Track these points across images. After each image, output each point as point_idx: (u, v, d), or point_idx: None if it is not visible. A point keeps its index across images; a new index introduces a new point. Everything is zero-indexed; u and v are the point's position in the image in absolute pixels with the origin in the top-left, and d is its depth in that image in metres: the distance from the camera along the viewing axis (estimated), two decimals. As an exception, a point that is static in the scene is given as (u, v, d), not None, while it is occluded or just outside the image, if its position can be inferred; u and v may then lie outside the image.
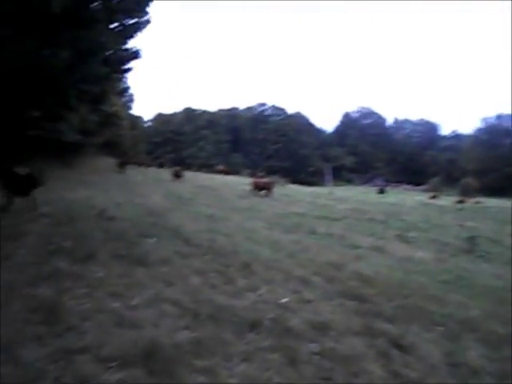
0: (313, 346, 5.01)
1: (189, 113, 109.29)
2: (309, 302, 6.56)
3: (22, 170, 12.36)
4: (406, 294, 7.67)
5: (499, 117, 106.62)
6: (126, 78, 11.32)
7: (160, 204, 16.59)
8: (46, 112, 13.43)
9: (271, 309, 5.94)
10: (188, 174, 38.67)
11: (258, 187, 28.44)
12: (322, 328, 5.46)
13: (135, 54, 8.72)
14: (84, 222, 10.66)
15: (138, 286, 6.13)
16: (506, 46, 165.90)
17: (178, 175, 33.00)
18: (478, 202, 40.42)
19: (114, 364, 3.99)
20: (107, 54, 8.09)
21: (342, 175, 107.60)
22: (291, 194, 32.59)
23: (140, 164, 43.29)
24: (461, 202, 39.70)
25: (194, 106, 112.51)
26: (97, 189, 19.15)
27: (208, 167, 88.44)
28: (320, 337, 5.23)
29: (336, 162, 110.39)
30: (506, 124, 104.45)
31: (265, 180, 31.50)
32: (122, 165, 32.61)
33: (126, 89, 15.64)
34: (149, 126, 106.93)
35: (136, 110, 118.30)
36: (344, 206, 26.35)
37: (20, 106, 10.66)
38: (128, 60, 8.75)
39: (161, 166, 52.64)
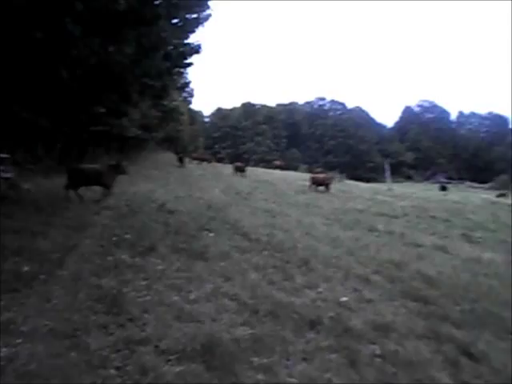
0: (374, 347, 4.84)
1: (247, 108, 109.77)
2: (369, 301, 6.36)
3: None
4: (474, 297, 7.22)
5: None
6: (186, 72, 11.62)
7: (219, 198, 16.75)
8: (110, 108, 13.87)
9: (331, 307, 5.81)
10: (247, 169, 38.97)
11: (317, 183, 28.11)
12: (383, 329, 5.26)
13: (196, 49, 8.84)
14: (145, 214, 10.94)
15: (197, 280, 6.19)
16: None
17: (241, 170, 32.92)
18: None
19: (173, 357, 4.03)
20: (169, 49, 8.22)
21: (401, 171, 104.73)
22: (349, 190, 32.01)
23: (199, 159, 43.89)
24: None
25: (253, 101, 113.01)
26: (157, 183, 19.64)
27: (265, 162, 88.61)
28: (381, 338, 5.04)
29: (396, 157, 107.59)
30: None
31: (323, 175, 31.01)
32: (182, 159, 33.21)
33: (187, 84, 15.89)
34: (208, 121, 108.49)
35: (195, 105, 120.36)
36: (404, 202, 25.57)
37: (87, 102, 11.04)
38: (189, 55, 8.90)
39: (219, 160, 53.18)
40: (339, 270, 7.86)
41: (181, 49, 8.80)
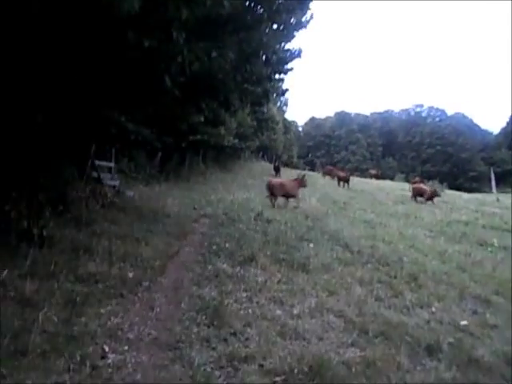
0: (510, 385, 4.20)
1: (341, 116, 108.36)
2: (494, 327, 5.66)
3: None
4: None
5: None
6: (283, 79, 11.38)
7: (315, 208, 16.36)
8: (208, 117, 14.05)
9: (449, 331, 5.23)
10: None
11: (418, 193, 26.79)
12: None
13: (297, 54, 8.58)
14: (243, 223, 10.85)
15: (299, 293, 5.88)
16: None
17: (346, 180, 31.37)
18: None
19: (279, 379, 3.70)
20: (269, 54, 8.04)
21: (509, 181, 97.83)
22: (452, 201, 30.18)
23: (294, 167, 43.92)
24: None
25: (347, 110, 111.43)
26: (253, 191, 19.66)
27: (360, 171, 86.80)
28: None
29: (502, 166, 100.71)
30: None
31: (425, 186, 29.38)
32: (278, 168, 33.15)
33: (284, 91, 15.54)
34: (301, 130, 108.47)
35: (289, 114, 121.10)
36: (517, 214, 23.54)
37: (188, 111, 11.22)
38: (290, 60, 8.66)
39: (312, 169, 52.86)
40: (452, 288, 7.18)
41: (281, 54, 8.58)
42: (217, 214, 12.10)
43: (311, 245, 9.14)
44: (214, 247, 7.89)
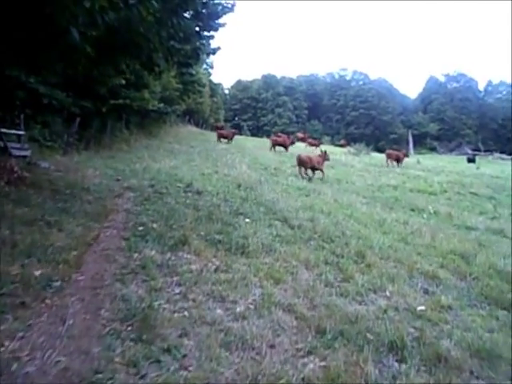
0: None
1: (268, 79, 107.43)
2: (449, 309, 5.21)
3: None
4: None
5: None
6: (213, 37, 10.31)
7: (247, 175, 15.60)
8: (130, 79, 12.75)
9: (408, 319, 4.69)
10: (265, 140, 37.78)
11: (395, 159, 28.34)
12: (483, 356, 4.09)
13: (230, 8, 7.56)
14: (172, 197, 9.93)
15: (241, 284, 5.11)
16: None
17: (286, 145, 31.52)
18: None
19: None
20: (198, 6, 6.98)
21: (425, 143, 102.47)
22: (378, 164, 30.59)
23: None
24: None
25: (273, 72, 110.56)
26: (180, 158, 18.66)
27: (287, 134, 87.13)
28: (487, 370, 3.87)
29: (419, 129, 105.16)
30: None
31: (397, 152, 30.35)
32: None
33: (216, 50, 14.12)
34: (227, 93, 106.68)
35: (215, 76, 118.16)
36: (439, 178, 24.04)
37: (106, 72, 9.95)
38: (221, 14, 7.61)
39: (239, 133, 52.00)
40: (401, 265, 6.71)
41: (212, 7, 7.52)
42: (142, 186, 11.01)
43: (247, 220, 8.39)
44: (141, 229, 6.90)
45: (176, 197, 9.86)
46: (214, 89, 52.87)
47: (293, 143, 33.18)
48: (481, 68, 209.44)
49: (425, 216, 12.54)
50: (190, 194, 10.39)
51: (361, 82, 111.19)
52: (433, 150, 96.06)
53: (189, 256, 5.87)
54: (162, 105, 27.51)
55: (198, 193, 10.66)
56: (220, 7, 7.76)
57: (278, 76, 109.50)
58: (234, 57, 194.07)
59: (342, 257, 6.61)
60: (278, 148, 30.86)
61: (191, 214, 8.19)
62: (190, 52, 7.80)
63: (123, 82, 12.60)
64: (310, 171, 18.17)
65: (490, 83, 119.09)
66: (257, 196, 11.21)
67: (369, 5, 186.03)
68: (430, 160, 48.89)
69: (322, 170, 18.43)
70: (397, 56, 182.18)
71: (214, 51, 7.70)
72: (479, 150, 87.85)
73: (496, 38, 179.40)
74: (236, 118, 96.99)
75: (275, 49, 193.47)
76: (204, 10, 7.33)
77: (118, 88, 16.98)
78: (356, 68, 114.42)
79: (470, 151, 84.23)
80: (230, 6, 7.81)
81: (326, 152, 19.66)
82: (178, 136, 29.56)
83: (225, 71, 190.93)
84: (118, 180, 11.94)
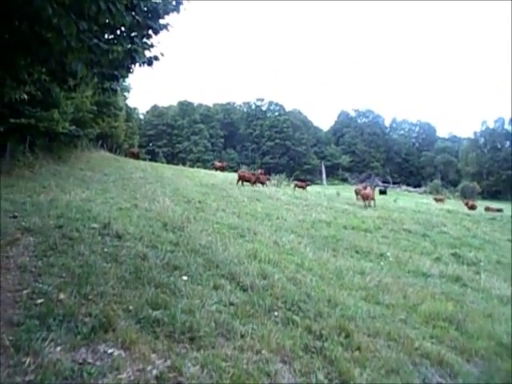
0: None
1: (184, 106, 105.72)
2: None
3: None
4: None
5: (498, 121, 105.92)
6: (151, 45, 8.50)
7: (171, 210, 13.63)
8: (37, 95, 10.42)
9: None
10: (189, 171, 36.07)
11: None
12: None
13: (173, 6, 5.77)
14: (85, 243, 7.75)
15: None
16: (506, 50, 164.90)
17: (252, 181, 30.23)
18: (498, 210, 37.40)
19: None
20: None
21: (337, 174, 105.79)
22: (302, 196, 29.73)
23: (135, 157, 40.57)
24: (493, 210, 36.78)
25: (190, 99, 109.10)
26: (94, 188, 16.31)
27: (202, 162, 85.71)
28: None
29: (331, 160, 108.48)
30: (506, 128, 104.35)
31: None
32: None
33: (152, 59, 11.72)
34: (143, 118, 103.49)
35: (130, 100, 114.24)
36: (367, 212, 23.49)
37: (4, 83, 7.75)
38: (163, 13, 5.86)
39: (153, 159, 49.97)
40: (395, 345, 5.20)
41: (153, 2, 5.71)
42: (47, 226, 8.65)
43: (185, 277, 6.51)
44: (40, 302, 4.79)
45: (91, 243, 7.69)
46: (130, 113, 50.16)
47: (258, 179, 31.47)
48: (385, 106, 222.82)
49: (369, 259, 11.50)
50: (107, 239, 8.27)
51: (276, 113, 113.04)
52: (345, 180, 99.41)
53: (115, 352, 3.91)
54: (73, 127, 24.78)
55: (118, 237, 8.57)
56: (162, 3, 5.94)
57: (195, 103, 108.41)
58: (150, 81, 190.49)
59: (324, 338, 4.94)
60: (199, 178, 29.24)
61: (112, 271, 6.13)
62: (122, 56, 5.76)
63: (25, 97, 10.16)
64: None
65: (394, 120, 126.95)
66: (188, 240, 9.33)
67: (283, 38, 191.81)
68: (346, 191, 49.18)
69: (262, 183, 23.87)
70: (310, 89, 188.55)
71: (150, 61, 5.73)
72: (388, 182, 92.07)
73: (400, 78, 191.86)
74: (151, 144, 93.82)
75: (192, 75, 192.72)
76: (142, 3, 5.51)
77: (20, 105, 14.45)
78: (272, 99, 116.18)
79: (380, 183, 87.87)
80: (174, 3, 6.05)
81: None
82: (90, 162, 26.75)
83: (140, 95, 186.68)
84: (15, 217, 9.53)
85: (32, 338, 3.89)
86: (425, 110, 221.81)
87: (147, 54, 6.22)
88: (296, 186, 36.44)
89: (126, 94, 45.93)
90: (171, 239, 9.20)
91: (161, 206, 13.99)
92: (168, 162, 61.86)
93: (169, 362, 3.86)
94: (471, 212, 31.92)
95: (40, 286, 5.24)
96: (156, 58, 5.99)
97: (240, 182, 29.49)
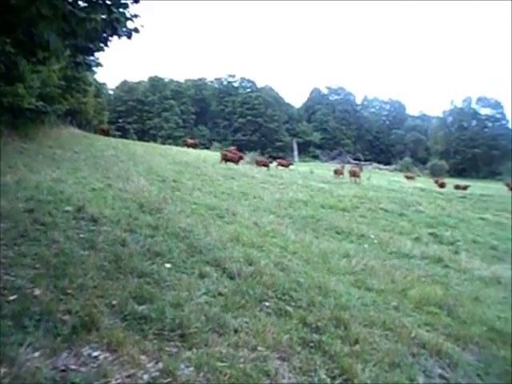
0: None
1: (155, 81, 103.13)
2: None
3: None
4: None
5: (466, 100, 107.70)
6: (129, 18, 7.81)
7: (146, 190, 13.16)
8: (0, 66, 9.60)
9: None
10: (161, 148, 35.34)
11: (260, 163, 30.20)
12: None
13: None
14: (59, 228, 7.28)
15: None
16: (474, 32, 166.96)
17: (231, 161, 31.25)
18: (465, 188, 37.97)
19: None
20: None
21: (308, 151, 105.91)
22: (277, 174, 29.47)
23: (105, 134, 39.51)
24: (462, 187, 37.22)
25: (161, 75, 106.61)
26: (65, 168, 15.61)
27: (173, 139, 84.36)
28: None
29: (303, 137, 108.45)
30: (473, 107, 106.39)
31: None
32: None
33: (131, 32, 10.57)
34: (112, 94, 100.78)
35: (99, 75, 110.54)
36: (342, 191, 23.37)
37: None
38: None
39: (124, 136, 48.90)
40: (392, 334, 5.03)
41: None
42: (16, 210, 8.08)
43: (168, 265, 6.16)
44: (12, 299, 4.35)
45: (65, 228, 7.20)
46: (99, 88, 48.57)
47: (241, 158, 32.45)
48: (357, 84, 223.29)
49: (351, 240, 11.43)
50: (83, 223, 7.80)
51: (248, 90, 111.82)
52: (316, 157, 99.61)
53: (101, 356, 3.55)
54: (40, 103, 23.68)
55: (94, 220, 8.11)
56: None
57: (166, 79, 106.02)
58: (119, 55, 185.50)
59: (322, 331, 4.69)
60: (172, 156, 28.70)
61: (91, 260, 5.70)
62: (102, 26, 5.18)
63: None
64: None
65: (365, 98, 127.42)
66: (167, 222, 8.93)
67: (256, 14, 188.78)
68: (319, 169, 49.21)
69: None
70: (283, 65, 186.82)
71: (129, 33, 5.20)
72: (360, 160, 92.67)
73: (371, 56, 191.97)
74: (121, 121, 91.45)
75: (162, 50, 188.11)
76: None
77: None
78: (244, 75, 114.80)
79: (351, 160, 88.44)
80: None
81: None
82: (59, 139, 25.70)
83: (109, 70, 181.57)
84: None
85: (6, 342, 3.47)
86: (395, 89, 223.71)
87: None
88: (279, 164, 36.64)
89: (94, 68, 44.44)
90: (150, 222, 8.78)
91: (136, 186, 13.50)
92: (139, 139, 60.62)
93: (160, 365, 3.54)
94: (442, 190, 32.27)
95: (12, 279, 4.79)
96: (136, 31, 5.49)
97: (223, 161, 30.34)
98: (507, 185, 36.04)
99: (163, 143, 57.01)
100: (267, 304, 5.26)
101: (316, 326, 4.78)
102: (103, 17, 4.96)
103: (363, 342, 4.59)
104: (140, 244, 6.95)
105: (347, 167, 38.22)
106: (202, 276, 5.88)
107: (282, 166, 36.25)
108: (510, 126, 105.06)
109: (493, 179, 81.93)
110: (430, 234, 14.31)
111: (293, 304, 5.40)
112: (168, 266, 6.13)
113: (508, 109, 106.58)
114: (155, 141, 57.74)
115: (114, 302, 4.50)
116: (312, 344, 4.37)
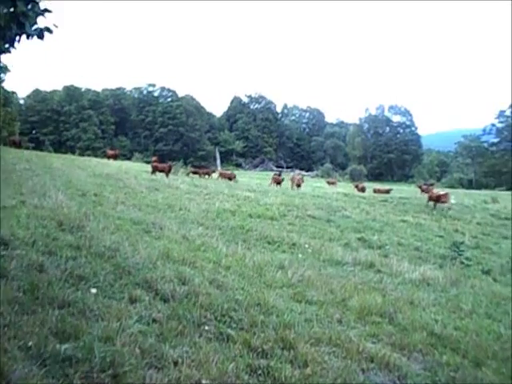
0: None
1: (70, 91, 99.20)
2: None
3: None
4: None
5: (379, 108, 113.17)
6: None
7: (65, 206, 12.23)
8: None
9: None
10: (80, 160, 33.68)
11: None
12: None
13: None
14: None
15: None
16: (386, 42, 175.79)
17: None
18: (388, 191, 39.17)
19: None
20: None
21: (231, 159, 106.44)
22: (202, 184, 28.95)
23: (17, 146, 37.24)
24: (382, 191, 38.27)
25: (76, 84, 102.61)
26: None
27: (92, 150, 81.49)
28: None
29: (225, 146, 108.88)
30: (386, 114, 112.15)
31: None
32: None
33: (43, 31, 9.38)
34: (23, 104, 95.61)
35: (7, 83, 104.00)
36: (268, 199, 23.27)
37: None
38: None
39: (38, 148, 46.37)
40: (340, 351, 4.81)
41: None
42: None
43: (93, 290, 5.57)
44: None
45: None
46: (8, 97, 45.70)
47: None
48: (277, 92, 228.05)
49: (283, 250, 11.29)
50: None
51: (169, 99, 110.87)
52: (239, 166, 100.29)
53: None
54: None
55: (4, 244, 7.25)
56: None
57: (82, 88, 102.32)
58: (29, 61, 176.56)
59: (269, 355, 4.34)
60: (91, 168, 27.40)
61: (0, 292, 5.01)
62: (5, 21, 4.45)
63: None
64: None
65: (285, 106, 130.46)
66: (91, 241, 8.24)
67: (174, 22, 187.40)
68: (243, 177, 49.13)
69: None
70: (203, 74, 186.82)
71: (41, 33, 4.57)
72: (282, 167, 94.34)
73: (291, 65, 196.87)
74: (34, 132, 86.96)
75: (77, 58, 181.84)
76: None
77: None
78: (164, 84, 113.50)
79: (274, 168, 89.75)
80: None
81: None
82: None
83: (18, 78, 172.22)
84: None
85: None
86: (314, 97, 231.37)
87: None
88: (221, 175, 37.65)
89: (2, 75, 41.76)
90: (71, 242, 8.05)
91: (53, 202, 12.54)
92: (55, 151, 57.78)
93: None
94: (364, 194, 33.20)
95: None
96: (49, 30, 4.86)
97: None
98: (419, 187, 37.67)
99: (82, 155, 54.81)
100: (207, 328, 4.85)
101: (262, 350, 4.44)
102: (6, 10, 4.31)
103: (313, 363, 4.32)
104: (60, 268, 6.26)
105: (270, 174, 39.24)
106: (132, 300, 5.35)
107: (225, 177, 36.25)
108: (417, 132, 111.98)
109: (406, 182, 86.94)
110: (359, 238, 14.53)
111: (234, 326, 5.03)
112: (94, 291, 5.53)
113: (416, 116, 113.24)
114: (73, 152, 55.46)
115: (30, 343, 3.84)
116: (260, 371, 4.02)
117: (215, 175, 38.72)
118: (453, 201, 27.71)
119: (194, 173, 38.62)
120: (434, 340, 5.72)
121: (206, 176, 37.84)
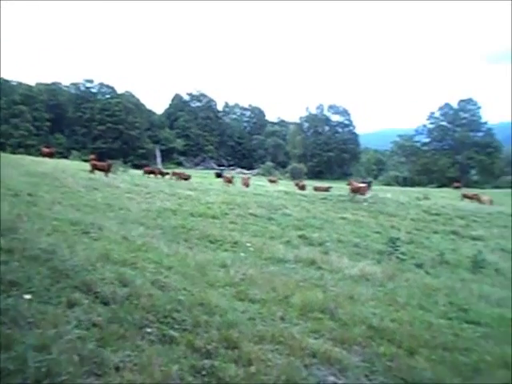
0: None
1: (0, 85, 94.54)
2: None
3: None
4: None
5: (319, 107, 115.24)
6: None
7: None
8: None
9: None
10: (11, 158, 32.17)
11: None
12: None
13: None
14: None
15: None
16: (326, 42, 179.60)
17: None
18: (327, 189, 39.88)
19: None
20: None
21: (172, 158, 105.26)
22: (142, 183, 28.46)
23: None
24: (322, 189, 38.82)
25: (7, 77, 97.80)
26: None
27: (25, 148, 78.18)
28: None
29: (166, 144, 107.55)
30: (325, 114, 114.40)
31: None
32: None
33: None
34: None
35: None
36: (210, 198, 23.24)
37: None
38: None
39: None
40: (283, 348, 4.89)
41: None
42: None
43: (28, 296, 5.32)
44: None
45: None
46: None
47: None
48: (218, 90, 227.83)
49: (229, 249, 11.26)
50: None
51: (108, 96, 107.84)
52: (180, 164, 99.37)
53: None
54: None
55: None
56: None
57: (13, 82, 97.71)
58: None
59: (213, 355, 4.34)
60: (25, 167, 26.25)
61: None
62: None
63: None
64: None
65: (226, 105, 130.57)
66: (24, 244, 7.84)
67: (115, 15, 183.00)
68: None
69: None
70: (142, 71, 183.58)
71: None
72: (223, 165, 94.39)
73: (232, 64, 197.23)
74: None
75: (7, 49, 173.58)
76: None
77: None
78: (102, 80, 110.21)
79: (215, 166, 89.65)
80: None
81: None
82: None
83: None
84: None
85: None
86: (255, 95, 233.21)
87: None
88: (176, 175, 38.98)
89: None
90: (2, 245, 7.68)
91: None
92: (-11, 151, 54.90)
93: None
94: (304, 192, 33.75)
95: None
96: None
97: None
98: (348, 184, 36.51)
99: (13, 152, 52.17)
100: (149, 330, 4.77)
101: (206, 351, 4.43)
102: None
103: (257, 361, 4.36)
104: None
105: (211, 173, 40.05)
106: (70, 305, 5.17)
107: (182, 178, 37.33)
108: (356, 131, 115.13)
109: (345, 180, 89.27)
110: (300, 236, 14.76)
111: (177, 327, 4.98)
112: (28, 297, 5.28)
113: (354, 115, 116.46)
114: (4, 150, 52.65)
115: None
116: (204, 372, 4.01)
117: (168, 176, 39.36)
118: (369, 194, 30.53)
119: (150, 172, 40.16)
120: (373, 333, 5.94)
121: (159, 176, 39.08)
